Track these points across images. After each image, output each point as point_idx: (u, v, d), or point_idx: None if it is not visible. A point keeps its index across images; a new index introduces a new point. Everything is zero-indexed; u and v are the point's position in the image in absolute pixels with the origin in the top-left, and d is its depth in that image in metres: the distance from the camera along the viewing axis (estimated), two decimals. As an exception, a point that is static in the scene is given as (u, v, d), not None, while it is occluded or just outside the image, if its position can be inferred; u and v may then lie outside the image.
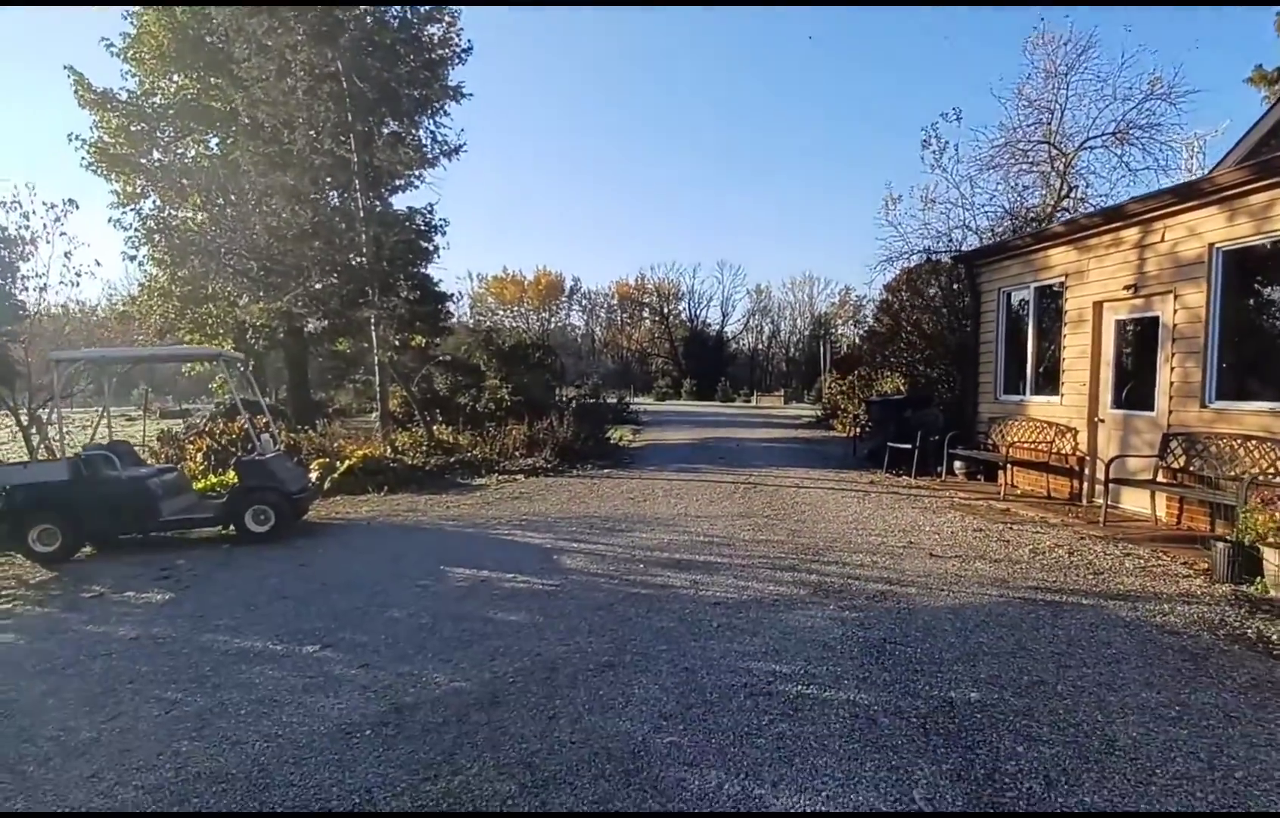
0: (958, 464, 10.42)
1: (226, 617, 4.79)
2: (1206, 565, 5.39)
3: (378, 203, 16.57)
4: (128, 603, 5.22)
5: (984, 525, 7.15)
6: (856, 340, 28.77)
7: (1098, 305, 8.17)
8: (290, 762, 2.91)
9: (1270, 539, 4.85)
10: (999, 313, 10.15)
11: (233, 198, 17.17)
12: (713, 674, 3.66)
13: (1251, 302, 6.75)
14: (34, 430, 9.43)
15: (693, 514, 7.99)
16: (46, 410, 9.56)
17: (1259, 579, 4.90)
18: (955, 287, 14.76)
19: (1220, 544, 5.19)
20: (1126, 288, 7.58)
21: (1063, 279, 8.73)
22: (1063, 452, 8.48)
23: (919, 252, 16.61)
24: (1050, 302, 9.32)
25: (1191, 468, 6.59)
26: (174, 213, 18.15)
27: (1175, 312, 6.93)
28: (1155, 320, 7.32)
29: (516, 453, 12.89)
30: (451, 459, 12.20)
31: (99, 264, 18.45)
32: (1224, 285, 6.55)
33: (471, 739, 3.04)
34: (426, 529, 7.60)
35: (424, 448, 12.81)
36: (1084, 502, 8.15)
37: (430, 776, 2.77)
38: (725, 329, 70.10)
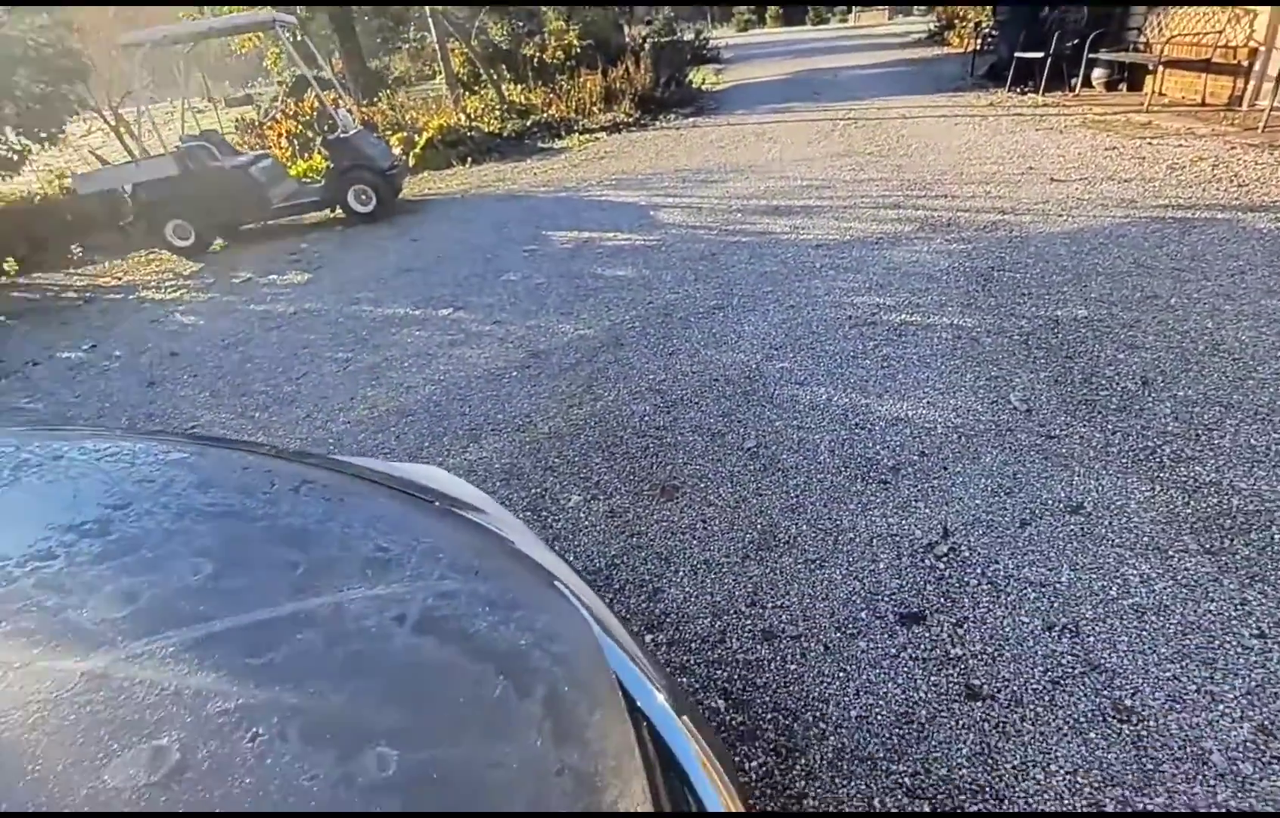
0: (1096, 73, 8.95)
1: (364, 290, 5.33)
2: (1388, 165, 4.73)
3: None
4: (273, 285, 5.87)
5: (1118, 143, 6.40)
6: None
7: None
8: (457, 399, 3.49)
9: None
10: None
11: None
12: (817, 310, 3.86)
13: None
14: (120, 129, 9.66)
15: (788, 158, 7.57)
16: (129, 108, 9.63)
17: None
18: None
19: None
20: None
21: None
22: (1232, 43, 7.03)
23: None
24: None
25: None
26: None
27: None
28: None
29: (594, 108, 12.20)
30: (528, 122, 11.72)
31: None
32: None
33: (604, 374, 3.50)
34: (520, 197, 7.70)
35: (497, 112, 12.27)
36: (1244, 107, 6.97)
37: (575, 403, 3.28)
38: (815, -77, 56.95)
